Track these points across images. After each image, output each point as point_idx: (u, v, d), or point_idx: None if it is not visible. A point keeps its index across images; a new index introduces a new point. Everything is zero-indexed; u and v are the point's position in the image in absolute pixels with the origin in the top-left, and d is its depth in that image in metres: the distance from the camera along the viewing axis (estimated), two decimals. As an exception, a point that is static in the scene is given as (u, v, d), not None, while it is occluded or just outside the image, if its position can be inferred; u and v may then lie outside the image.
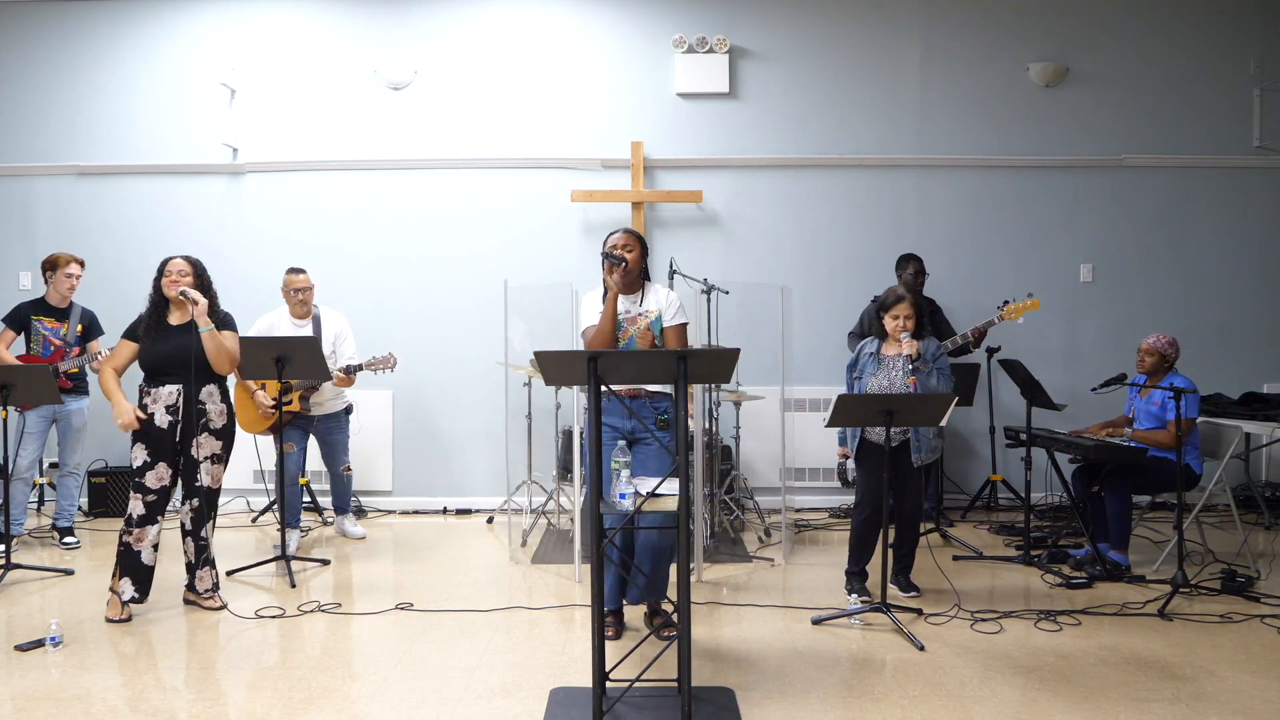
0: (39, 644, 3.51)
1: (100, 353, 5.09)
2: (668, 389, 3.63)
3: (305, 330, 5.25)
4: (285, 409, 5.06)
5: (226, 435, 4.07)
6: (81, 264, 5.26)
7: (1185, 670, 3.30)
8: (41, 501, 6.13)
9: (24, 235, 6.32)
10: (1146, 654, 3.46)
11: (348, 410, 5.45)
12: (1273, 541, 5.21)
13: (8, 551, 4.58)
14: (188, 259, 4.01)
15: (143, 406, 3.91)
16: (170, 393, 3.91)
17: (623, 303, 3.68)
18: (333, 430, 5.35)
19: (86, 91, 6.34)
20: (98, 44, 6.33)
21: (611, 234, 3.73)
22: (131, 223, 6.27)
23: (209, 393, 4.00)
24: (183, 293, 3.91)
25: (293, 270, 5.29)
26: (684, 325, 3.73)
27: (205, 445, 3.97)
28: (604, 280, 3.65)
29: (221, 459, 4.05)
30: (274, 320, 5.27)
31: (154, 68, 6.34)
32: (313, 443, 5.43)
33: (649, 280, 3.79)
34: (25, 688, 3.15)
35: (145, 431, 3.90)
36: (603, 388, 2.81)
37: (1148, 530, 5.37)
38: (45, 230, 6.33)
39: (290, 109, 6.33)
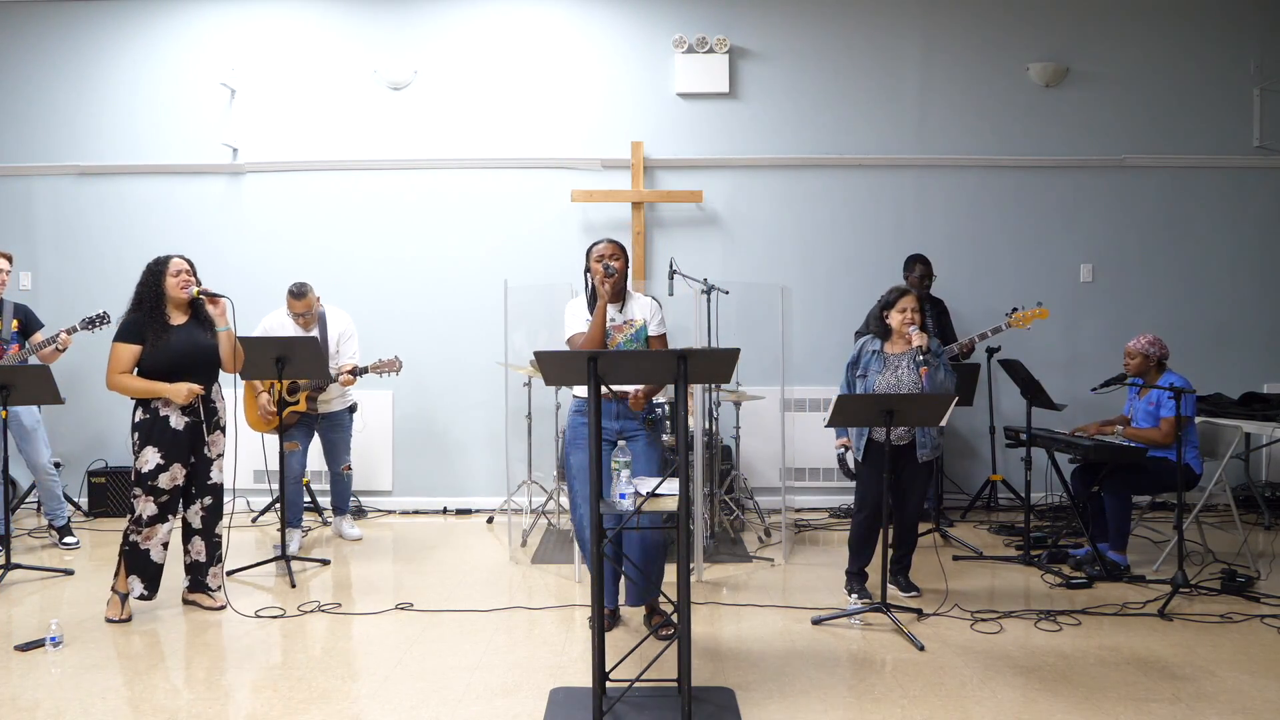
0: (39, 644, 3.50)
1: (59, 335, 4.82)
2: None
3: (310, 329, 5.19)
4: (292, 409, 5.06)
5: (225, 432, 4.10)
6: (9, 258, 5.01)
7: (1185, 670, 3.30)
8: (41, 502, 6.12)
9: (24, 235, 6.30)
10: (1146, 654, 3.46)
11: (351, 409, 5.44)
12: (1273, 541, 5.21)
13: (8, 551, 4.58)
14: (184, 258, 3.97)
15: (154, 409, 3.83)
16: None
17: (609, 311, 3.73)
18: (336, 428, 5.34)
19: (86, 91, 6.33)
20: (98, 44, 6.32)
21: (596, 243, 3.75)
22: (131, 223, 6.26)
23: (216, 391, 4.02)
24: (205, 291, 3.89)
25: (291, 294, 5.07)
26: (664, 336, 3.82)
27: (216, 443, 3.99)
28: (593, 286, 3.69)
29: (223, 455, 4.08)
30: (282, 319, 5.19)
31: (154, 68, 6.33)
32: (314, 441, 5.42)
33: (628, 290, 3.85)
34: (25, 688, 3.15)
35: (158, 434, 3.82)
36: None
37: (1148, 530, 5.37)
38: (45, 230, 6.32)
39: (290, 109, 6.33)
